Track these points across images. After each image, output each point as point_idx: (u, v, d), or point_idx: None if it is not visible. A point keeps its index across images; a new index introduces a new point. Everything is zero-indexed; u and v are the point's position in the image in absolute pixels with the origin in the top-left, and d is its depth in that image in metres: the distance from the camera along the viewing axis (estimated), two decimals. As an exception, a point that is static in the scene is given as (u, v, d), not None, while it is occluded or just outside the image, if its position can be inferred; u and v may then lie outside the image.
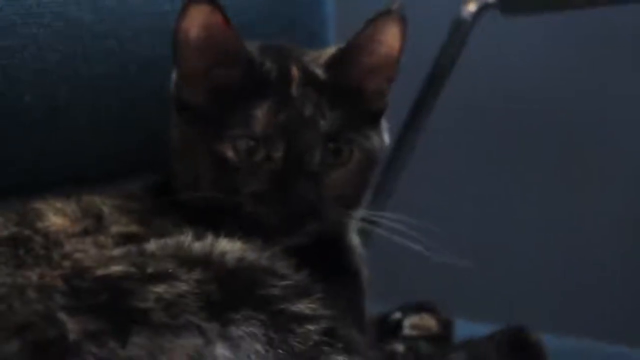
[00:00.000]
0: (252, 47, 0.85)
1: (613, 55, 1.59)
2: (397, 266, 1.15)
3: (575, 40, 1.58)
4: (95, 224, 0.78)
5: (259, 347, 0.67)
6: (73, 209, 0.79)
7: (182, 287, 0.68)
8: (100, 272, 0.69)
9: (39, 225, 0.76)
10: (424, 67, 1.22)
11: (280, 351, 0.67)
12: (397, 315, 0.91)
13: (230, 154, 0.82)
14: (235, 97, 0.82)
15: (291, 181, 0.81)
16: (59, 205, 0.80)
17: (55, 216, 0.78)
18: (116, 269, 0.70)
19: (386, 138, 0.90)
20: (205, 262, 0.71)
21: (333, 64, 0.85)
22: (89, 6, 0.97)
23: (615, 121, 1.61)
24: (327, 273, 0.76)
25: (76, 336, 0.64)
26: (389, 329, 0.90)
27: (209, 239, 0.74)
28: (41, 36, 0.94)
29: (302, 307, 0.71)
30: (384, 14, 0.84)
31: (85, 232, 0.76)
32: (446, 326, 0.91)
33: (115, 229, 0.77)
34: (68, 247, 0.73)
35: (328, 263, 0.81)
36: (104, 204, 0.81)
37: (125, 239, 0.76)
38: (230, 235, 0.75)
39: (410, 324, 0.90)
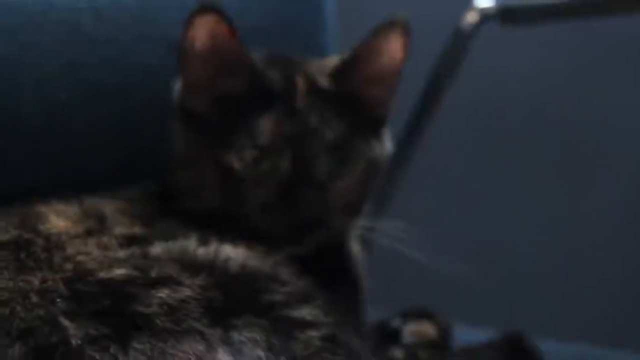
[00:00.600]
0: (258, 56, 0.86)
1: (612, 65, 1.60)
2: (396, 272, 1.15)
3: (574, 49, 1.59)
4: (98, 226, 0.77)
5: (260, 352, 0.67)
6: (75, 211, 0.79)
7: (186, 292, 0.68)
8: (103, 275, 0.69)
9: (41, 228, 0.76)
10: (424, 76, 1.22)
11: (282, 357, 0.67)
12: (396, 322, 0.92)
13: (236, 164, 0.82)
14: (241, 107, 0.83)
15: (298, 192, 0.81)
16: (60, 207, 0.79)
17: (57, 218, 0.77)
18: (119, 272, 0.70)
19: (389, 146, 0.90)
20: (209, 267, 0.72)
21: (337, 73, 0.86)
22: (89, 13, 0.97)
23: (614, 127, 1.61)
24: (328, 280, 0.77)
25: (78, 341, 0.64)
26: (388, 336, 0.90)
27: (213, 244, 0.75)
28: (41, 43, 0.95)
29: (304, 313, 0.72)
30: (388, 25, 0.84)
31: (88, 234, 0.76)
32: (445, 333, 0.91)
33: (118, 230, 0.77)
34: (70, 250, 0.73)
35: (329, 270, 0.81)
36: (107, 206, 0.81)
37: (129, 240, 0.75)
38: (234, 241, 0.75)
39: (410, 330, 0.90)
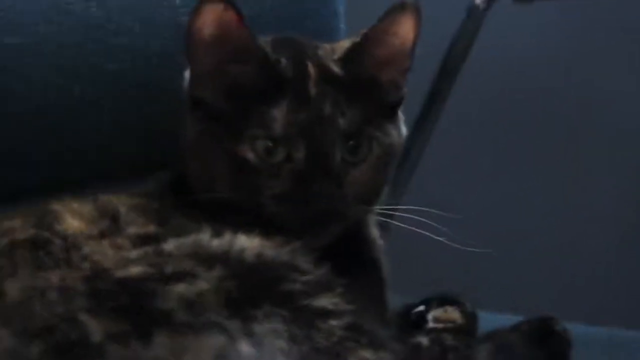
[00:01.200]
0: (265, 42, 0.85)
1: (627, 43, 1.58)
2: (417, 258, 1.14)
3: (587, 26, 1.57)
4: (111, 226, 0.77)
5: (282, 343, 0.66)
6: (89, 210, 0.79)
7: (202, 285, 0.68)
8: (119, 273, 0.69)
9: (57, 227, 0.75)
10: (433, 57, 1.21)
11: (304, 347, 0.67)
12: (420, 308, 0.91)
13: (249, 155, 0.81)
14: (252, 95, 0.82)
15: (313, 181, 0.80)
16: (75, 206, 0.79)
17: (72, 219, 0.77)
18: (135, 270, 0.69)
19: (404, 130, 0.89)
20: (224, 259, 0.71)
21: (348, 58, 0.85)
22: (97, 2, 0.97)
23: (630, 109, 1.60)
24: (348, 267, 0.76)
25: (98, 338, 0.64)
26: (412, 322, 0.90)
27: (227, 235, 0.74)
28: (53, 34, 0.94)
29: (325, 302, 0.71)
30: (399, 6, 0.83)
31: (102, 235, 0.75)
32: (471, 318, 0.90)
33: (132, 230, 0.77)
34: (86, 249, 0.73)
35: (348, 257, 0.80)
36: (121, 203, 0.80)
37: (143, 239, 0.75)
38: (249, 232, 0.75)
39: (434, 316, 0.89)
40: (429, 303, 0.91)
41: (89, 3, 0.97)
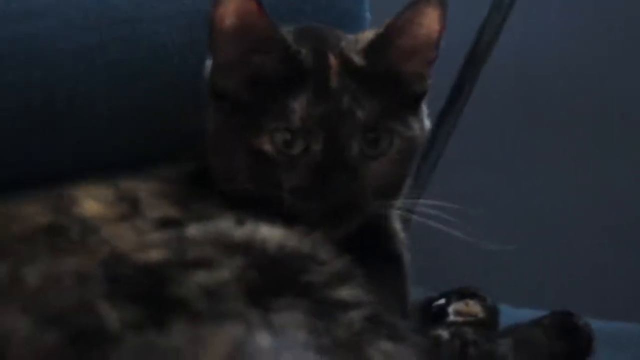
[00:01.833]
0: (287, 32, 0.84)
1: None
2: (441, 252, 1.13)
3: (611, 15, 1.56)
4: (131, 209, 0.76)
5: (302, 334, 0.66)
6: (108, 194, 0.78)
7: (223, 273, 0.68)
8: (138, 258, 0.69)
9: (75, 211, 0.75)
10: (458, 50, 1.20)
11: (324, 339, 0.66)
12: (441, 301, 0.90)
13: (267, 147, 0.81)
14: (272, 86, 0.81)
15: (331, 175, 0.80)
16: (93, 191, 0.79)
17: (91, 202, 0.77)
18: (155, 254, 0.69)
19: (427, 123, 0.88)
20: (246, 248, 0.71)
21: (372, 49, 0.84)
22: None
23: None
24: (369, 259, 0.76)
25: (115, 325, 0.63)
26: (433, 315, 0.89)
27: (249, 225, 0.74)
28: (56, 25, 0.94)
29: (345, 293, 0.71)
30: None
31: (122, 218, 0.75)
32: (492, 312, 0.90)
33: (153, 213, 0.76)
34: (105, 233, 0.72)
35: (370, 249, 0.80)
36: (140, 188, 0.80)
37: (164, 223, 0.75)
38: (270, 221, 0.74)
39: (455, 310, 0.89)
40: (450, 296, 0.91)
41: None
